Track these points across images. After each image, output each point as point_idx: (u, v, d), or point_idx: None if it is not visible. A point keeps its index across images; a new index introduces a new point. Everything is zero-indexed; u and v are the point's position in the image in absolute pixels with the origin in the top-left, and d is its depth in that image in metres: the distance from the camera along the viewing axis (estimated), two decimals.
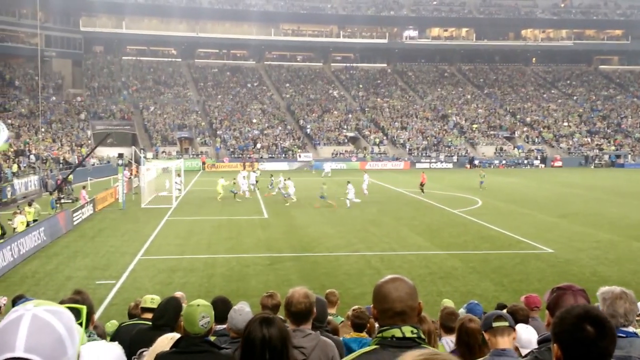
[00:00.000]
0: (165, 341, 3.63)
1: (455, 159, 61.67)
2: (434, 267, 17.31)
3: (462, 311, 6.20)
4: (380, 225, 24.68)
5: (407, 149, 63.00)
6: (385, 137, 65.27)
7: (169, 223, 25.30)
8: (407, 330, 2.38)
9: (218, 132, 62.71)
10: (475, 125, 68.47)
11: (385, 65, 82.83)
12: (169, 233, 22.88)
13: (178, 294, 6.59)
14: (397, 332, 2.38)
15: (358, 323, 5.25)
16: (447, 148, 63.50)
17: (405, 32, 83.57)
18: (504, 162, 61.58)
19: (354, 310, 5.49)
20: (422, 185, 35.29)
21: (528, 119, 71.11)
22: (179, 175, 34.12)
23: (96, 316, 12.09)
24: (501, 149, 64.41)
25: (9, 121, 46.93)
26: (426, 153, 62.34)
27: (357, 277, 16.14)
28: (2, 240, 17.67)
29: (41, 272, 16.54)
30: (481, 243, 20.98)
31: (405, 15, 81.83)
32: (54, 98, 61.75)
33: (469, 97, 76.19)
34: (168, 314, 4.50)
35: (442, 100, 74.60)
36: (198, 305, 3.54)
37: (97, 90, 67.73)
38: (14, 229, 19.54)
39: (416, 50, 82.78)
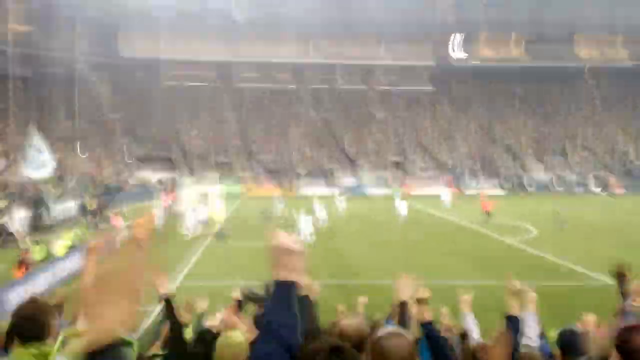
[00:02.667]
0: None
1: (505, 182, 60.74)
2: (484, 298, 17.05)
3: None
4: (426, 252, 24.49)
5: (454, 172, 62.46)
6: (430, 160, 64.95)
7: (208, 248, 25.69)
8: None
9: (257, 156, 63.55)
10: (527, 147, 67.47)
11: (430, 86, 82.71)
12: (208, 259, 23.23)
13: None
14: None
15: None
16: (496, 171, 62.70)
17: (453, 52, 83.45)
18: (558, 187, 60.32)
19: None
20: (486, 212, 34.62)
21: (584, 142, 69.71)
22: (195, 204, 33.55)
23: (137, 335, 12.39)
24: (555, 174, 63.18)
25: (51, 145, 48.64)
26: (474, 177, 61.65)
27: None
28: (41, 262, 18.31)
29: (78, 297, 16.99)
30: (536, 274, 20.57)
31: (453, 34, 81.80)
32: (93, 122, 63.79)
33: (520, 118, 75.24)
34: None
35: (491, 122, 73.89)
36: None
37: (136, 114, 69.70)
38: (53, 254, 20.18)
39: (464, 70, 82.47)
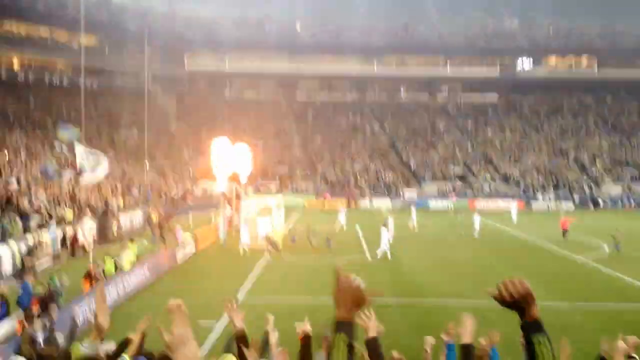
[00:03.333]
0: None
1: (576, 198, 58.62)
2: (556, 321, 16.37)
3: None
4: (494, 270, 23.81)
5: (521, 187, 60.79)
6: (497, 174, 63.50)
7: (269, 262, 25.82)
8: None
9: (318, 168, 63.78)
10: (598, 161, 64.97)
11: (496, 96, 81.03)
12: (269, 273, 23.33)
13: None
14: None
15: None
16: (566, 186, 60.61)
17: (519, 63, 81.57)
18: (633, 203, 57.72)
19: None
20: (564, 230, 33.46)
21: None
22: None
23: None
24: (629, 188, 60.45)
25: (115, 155, 50.32)
26: (543, 191, 59.73)
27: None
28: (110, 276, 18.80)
29: (145, 310, 17.34)
30: (609, 295, 19.65)
31: (519, 44, 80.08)
32: (159, 134, 65.68)
33: (591, 130, 72.60)
34: None
35: (560, 134, 71.63)
36: None
37: (200, 126, 71.31)
38: (121, 265, 20.69)
39: (531, 81, 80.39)
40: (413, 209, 40.77)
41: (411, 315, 17.18)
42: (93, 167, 23.25)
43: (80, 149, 23.53)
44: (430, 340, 6.05)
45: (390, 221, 30.42)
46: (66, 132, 31.16)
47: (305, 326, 5.19)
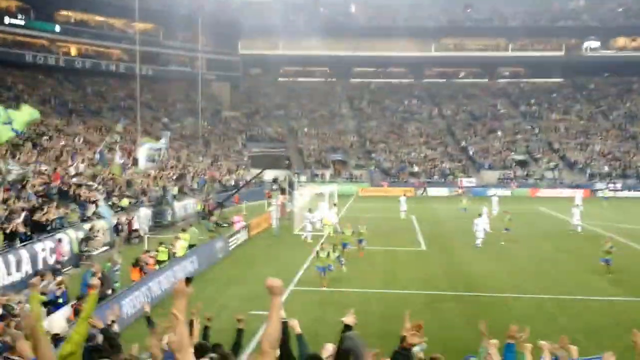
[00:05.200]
0: None
1: None
2: (622, 317, 15.87)
3: None
4: (557, 264, 23.21)
5: (587, 175, 58.87)
6: (560, 161, 61.68)
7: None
8: None
9: (372, 155, 63.46)
10: None
11: (561, 79, 78.52)
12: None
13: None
14: None
15: None
16: (636, 173, 58.34)
17: (586, 43, 78.60)
18: None
19: None
20: None
21: None
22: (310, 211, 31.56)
23: (249, 349, 12.68)
24: None
25: (170, 142, 51.39)
26: (611, 179, 57.67)
27: (529, 323, 15.22)
28: (164, 265, 19.27)
29: (198, 299, 17.69)
30: None
31: (585, 24, 77.18)
32: (212, 120, 66.73)
33: None
34: None
35: (630, 118, 68.85)
36: None
37: (253, 112, 72.08)
38: (174, 253, 21.17)
39: (598, 63, 77.41)
40: (495, 199, 40.11)
41: (464, 307, 16.96)
42: (151, 159, 24.02)
43: (147, 147, 24.24)
44: (494, 342, 5.98)
45: (485, 211, 30.36)
46: (120, 125, 32.24)
47: (349, 318, 5.41)
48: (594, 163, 60.36)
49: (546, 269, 22.22)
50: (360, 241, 24.42)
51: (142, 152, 24.25)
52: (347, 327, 5.32)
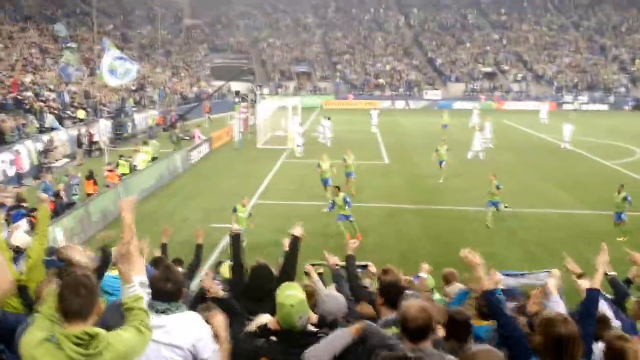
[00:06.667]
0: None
1: (612, 99, 57.31)
2: (578, 228, 16.48)
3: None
4: (516, 177, 23.72)
5: (555, 87, 59.41)
6: (528, 73, 61.93)
7: (284, 166, 26.04)
8: None
9: (337, 66, 62.71)
10: (639, 60, 62.78)
11: None
12: (284, 176, 23.57)
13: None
14: None
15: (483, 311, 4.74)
16: (603, 86, 59.05)
17: None
18: None
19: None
20: None
21: None
22: (328, 118, 32.81)
23: (209, 262, 12.91)
24: None
25: (131, 52, 49.86)
26: (577, 92, 58.36)
27: (488, 235, 15.78)
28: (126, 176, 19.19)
29: (160, 212, 17.79)
30: None
31: None
32: (172, 29, 64.60)
33: (633, 24, 69.48)
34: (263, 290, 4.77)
35: (599, 29, 68.83)
36: (292, 305, 3.49)
37: (215, 21, 69.91)
38: (135, 166, 21.03)
39: None
40: (475, 111, 40.14)
41: (423, 220, 17.37)
42: (122, 75, 23.36)
43: (112, 54, 23.45)
44: (425, 266, 6.06)
45: (488, 125, 31.03)
46: (61, 28, 31.03)
47: (296, 229, 5.74)
48: (561, 76, 60.79)
49: (506, 182, 22.70)
50: (349, 174, 21.14)
51: (106, 62, 23.49)
52: (295, 238, 5.60)
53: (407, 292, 4.46)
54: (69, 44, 34.44)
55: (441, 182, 22.31)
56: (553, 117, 42.35)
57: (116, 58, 23.49)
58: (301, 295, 3.59)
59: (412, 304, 3.37)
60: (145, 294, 3.25)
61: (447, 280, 7.45)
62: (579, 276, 5.11)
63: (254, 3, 74.06)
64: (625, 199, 15.51)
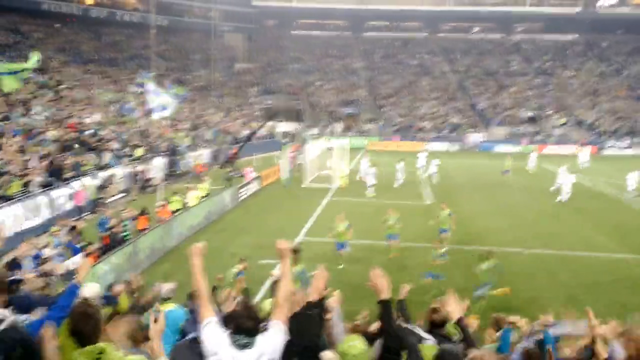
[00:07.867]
0: None
1: None
2: (621, 273, 16.04)
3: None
4: (559, 220, 23.30)
5: (595, 132, 58.27)
6: (570, 118, 60.99)
7: (331, 204, 26.15)
8: None
9: (382, 109, 63.02)
10: None
11: (576, 36, 76.84)
12: (330, 214, 23.66)
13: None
14: None
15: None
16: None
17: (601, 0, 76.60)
18: None
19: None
20: None
21: None
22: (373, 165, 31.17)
23: (258, 297, 13.02)
24: None
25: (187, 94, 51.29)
26: (617, 137, 57.07)
27: (529, 278, 15.50)
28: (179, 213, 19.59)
29: (208, 248, 18.03)
30: None
31: None
32: (225, 72, 66.30)
33: None
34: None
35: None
36: (354, 356, 3.61)
37: (267, 65, 71.45)
38: (186, 203, 21.48)
39: (614, 20, 75.56)
40: (533, 155, 39.98)
41: (465, 260, 17.15)
42: (162, 105, 24.10)
43: (150, 88, 24.31)
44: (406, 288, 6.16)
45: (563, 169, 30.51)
46: (145, 77, 32.12)
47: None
48: (601, 121, 59.66)
49: (548, 225, 22.31)
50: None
51: (152, 99, 24.22)
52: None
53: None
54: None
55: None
56: (595, 161, 41.50)
57: (153, 92, 24.19)
58: (363, 346, 3.74)
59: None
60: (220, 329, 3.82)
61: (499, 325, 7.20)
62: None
63: (306, 48, 75.46)
64: None
